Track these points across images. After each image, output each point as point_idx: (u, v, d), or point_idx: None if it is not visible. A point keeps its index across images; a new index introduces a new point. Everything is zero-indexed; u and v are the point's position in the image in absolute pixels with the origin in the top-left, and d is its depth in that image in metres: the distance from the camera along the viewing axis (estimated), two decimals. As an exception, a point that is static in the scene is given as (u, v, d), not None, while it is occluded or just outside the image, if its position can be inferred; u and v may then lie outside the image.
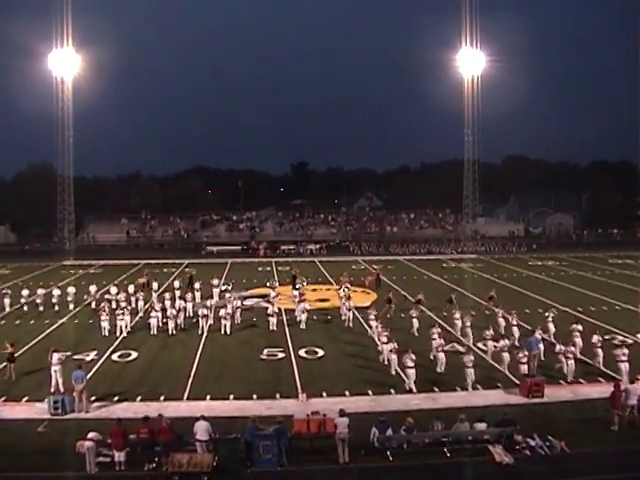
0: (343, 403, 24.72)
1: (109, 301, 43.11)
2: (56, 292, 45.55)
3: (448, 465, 20.85)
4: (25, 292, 45.69)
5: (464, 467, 20.29)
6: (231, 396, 26.96)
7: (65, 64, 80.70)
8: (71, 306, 44.60)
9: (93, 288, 46.92)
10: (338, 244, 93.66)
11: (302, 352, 33.30)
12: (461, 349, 32.78)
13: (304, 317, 39.49)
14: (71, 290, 46.00)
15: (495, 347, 31.32)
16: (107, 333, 37.32)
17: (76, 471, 20.04)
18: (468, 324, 35.46)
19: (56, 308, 44.23)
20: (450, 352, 31.46)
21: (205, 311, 38.88)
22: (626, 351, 28.86)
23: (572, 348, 30.07)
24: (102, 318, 37.50)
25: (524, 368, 28.75)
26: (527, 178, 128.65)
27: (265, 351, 33.61)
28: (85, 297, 46.76)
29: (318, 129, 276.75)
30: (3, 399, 26.74)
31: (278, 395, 27.05)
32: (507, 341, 31.05)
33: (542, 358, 30.67)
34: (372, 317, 37.35)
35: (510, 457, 20.64)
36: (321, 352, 33.30)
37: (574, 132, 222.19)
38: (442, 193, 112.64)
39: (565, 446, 21.39)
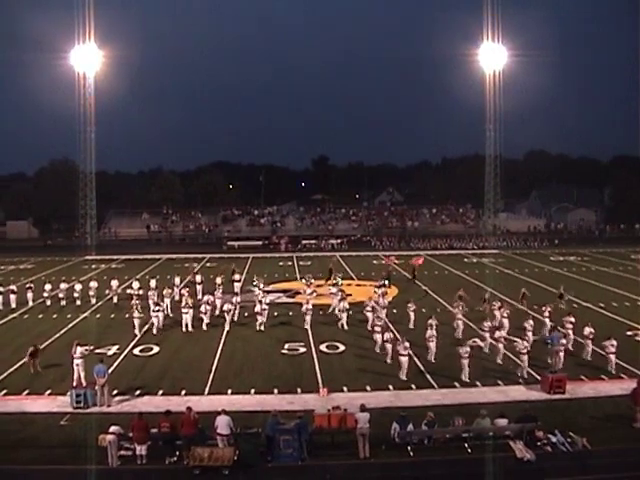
0: (364, 398, 24.72)
1: (139, 297, 43.59)
2: (78, 287, 45.75)
3: (469, 461, 20.80)
4: (48, 286, 45.96)
5: (485, 463, 20.20)
6: (252, 390, 27.04)
7: (87, 60, 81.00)
8: (93, 300, 44.95)
9: (115, 283, 47.13)
10: (359, 239, 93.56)
11: (323, 347, 33.30)
12: (481, 344, 32.75)
13: (344, 317, 37.75)
14: (93, 285, 46.29)
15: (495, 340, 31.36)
16: (138, 332, 36.55)
17: (98, 464, 20.19)
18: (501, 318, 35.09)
19: (78, 302, 44.51)
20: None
21: (229, 306, 38.65)
22: (614, 342, 29.37)
23: (563, 340, 30.31)
24: (135, 315, 37.04)
25: (524, 359, 28.82)
26: (548, 173, 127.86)
27: (286, 346, 33.66)
28: (107, 292, 47.03)
29: (339, 124, 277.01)
30: (26, 392, 26.97)
31: (299, 390, 27.11)
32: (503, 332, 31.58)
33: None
34: (368, 309, 37.55)
35: (531, 453, 20.57)
36: (342, 347, 33.28)
37: (596, 127, 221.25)
38: (463, 188, 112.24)
39: (587, 443, 21.27)
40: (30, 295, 45.15)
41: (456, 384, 27.53)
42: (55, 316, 41.60)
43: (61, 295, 45.25)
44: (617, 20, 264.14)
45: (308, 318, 37.78)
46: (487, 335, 32.54)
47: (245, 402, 25.75)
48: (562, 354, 29.38)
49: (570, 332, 32.66)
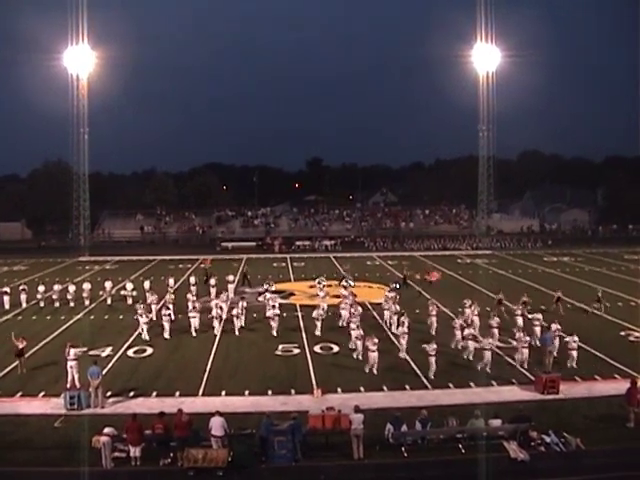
0: (358, 399, 24.72)
1: (127, 298, 43.78)
2: (72, 288, 45.73)
3: (463, 461, 20.82)
4: (41, 288, 45.81)
5: (479, 463, 20.21)
6: (246, 392, 27.01)
7: (80, 61, 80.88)
8: (87, 302, 44.85)
9: (108, 284, 46.99)
10: (353, 240, 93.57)
11: (317, 348, 33.29)
12: (478, 345, 32.85)
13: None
14: (86, 286, 46.18)
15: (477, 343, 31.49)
16: (147, 336, 35.67)
17: (92, 466, 20.14)
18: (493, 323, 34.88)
19: (71, 304, 44.44)
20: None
21: (238, 310, 37.60)
22: (576, 339, 29.94)
23: (527, 337, 30.60)
24: (142, 320, 36.13)
25: (487, 355, 29.46)
26: (542, 174, 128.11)
27: (280, 347, 33.63)
28: (101, 293, 46.94)
29: (332, 125, 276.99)
30: (20, 394, 26.91)
31: (293, 391, 27.10)
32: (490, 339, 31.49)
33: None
34: (343, 306, 38.11)
35: (525, 453, 20.62)
36: (336, 348, 33.27)
37: (589, 127, 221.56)
38: (457, 189, 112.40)
39: (581, 443, 21.33)
40: (24, 297, 45.00)
41: (450, 385, 27.58)
42: (49, 317, 41.49)
43: (55, 296, 45.20)
44: (611, 21, 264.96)
45: (319, 324, 36.30)
46: (458, 333, 32.98)
47: (239, 403, 25.73)
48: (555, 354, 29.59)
49: (537, 329, 33.21)
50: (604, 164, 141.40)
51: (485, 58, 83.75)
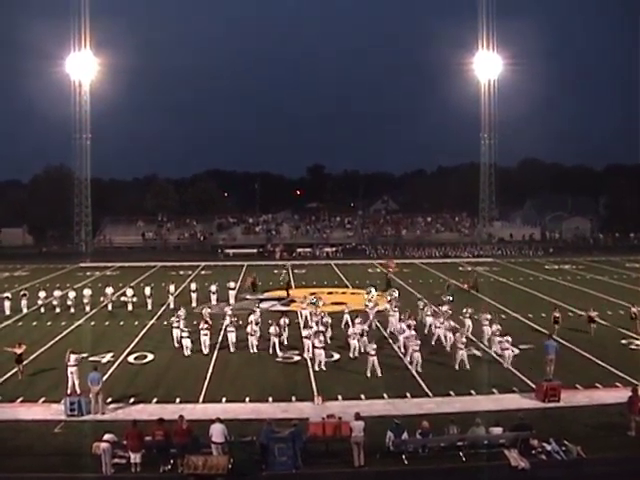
0: (359, 406, 24.64)
1: (128, 304, 43.84)
2: (72, 294, 45.73)
3: (464, 469, 20.78)
4: (42, 294, 45.86)
5: (480, 471, 20.22)
6: (247, 399, 26.96)
7: (82, 67, 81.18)
8: (87, 308, 44.80)
9: (109, 290, 46.97)
10: (354, 247, 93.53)
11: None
12: (478, 353, 32.88)
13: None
14: (87, 292, 46.13)
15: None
16: (189, 352, 33.73)
17: (92, 472, 20.14)
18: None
19: (72, 310, 44.42)
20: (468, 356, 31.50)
21: (276, 328, 34.20)
22: (509, 338, 31.05)
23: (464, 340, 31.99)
24: (203, 333, 34.19)
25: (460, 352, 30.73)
26: (543, 182, 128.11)
27: (280, 354, 33.56)
28: (101, 299, 46.92)
29: (334, 132, 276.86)
30: (20, 400, 26.88)
31: (294, 398, 27.05)
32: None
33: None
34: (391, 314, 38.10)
35: (526, 462, 20.53)
36: (337, 355, 33.20)
37: (590, 135, 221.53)
38: (458, 196, 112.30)
39: (581, 451, 21.26)
40: (24, 302, 45.03)
41: (451, 392, 27.53)
42: (49, 323, 41.49)
43: (55, 302, 45.18)
44: (612, 30, 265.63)
45: (355, 343, 33.10)
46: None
47: (240, 410, 25.68)
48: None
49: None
50: (605, 172, 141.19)
51: (487, 66, 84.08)
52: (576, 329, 37.61)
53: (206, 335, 34.21)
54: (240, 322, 36.41)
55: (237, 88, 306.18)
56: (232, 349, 34.17)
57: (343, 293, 52.20)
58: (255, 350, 33.65)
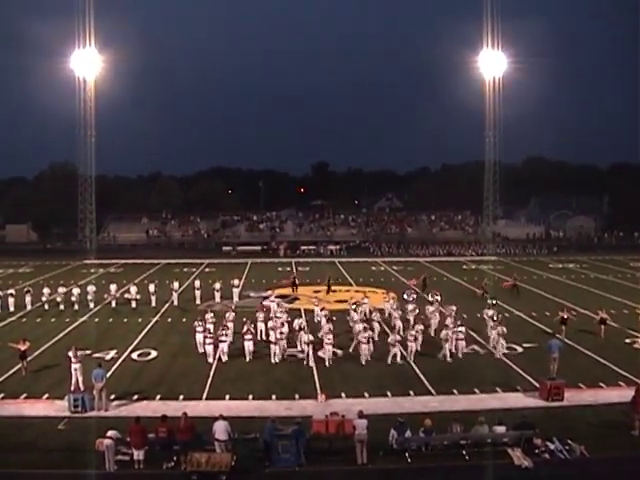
0: (362, 404, 24.71)
1: (131, 301, 43.92)
2: (76, 291, 45.74)
3: (467, 468, 20.76)
4: (46, 290, 45.97)
5: (483, 470, 20.18)
6: (250, 396, 26.98)
7: (87, 64, 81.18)
8: (91, 305, 44.91)
9: (113, 287, 47.00)
10: (358, 245, 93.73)
11: (321, 353, 33.09)
12: (481, 351, 32.86)
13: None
14: (91, 289, 46.27)
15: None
16: (226, 357, 32.16)
17: (95, 469, 20.16)
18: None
19: (76, 307, 44.49)
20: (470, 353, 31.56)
21: (308, 336, 32.55)
22: (462, 329, 32.42)
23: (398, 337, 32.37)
24: (247, 337, 32.51)
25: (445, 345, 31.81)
26: (548, 180, 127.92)
27: (282, 353, 33.44)
28: (105, 296, 46.98)
29: (338, 130, 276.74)
30: (24, 396, 26.95)
31: (297, 395, 27.06)
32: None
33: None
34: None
35: (529, 461, 20.52)
36: (340, 352, 33.17)
37: (594, 134, 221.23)
38: (462, 195, 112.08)
39: (585, 450, 21.25)
40: (29, 299, 45.15)
41: (454, 391, 27.51)
42: (53, 320, 41.56)
43: (59, 299, 45.21)
44: (616, 28, 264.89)
45: (396, 350, 31.81)
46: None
47: (243, 408, 25.69)
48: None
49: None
50: (610, 171, 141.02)
51: (492, 64, 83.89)
52: (581, 329, 37.52)
53: (250, 340, 32.47)
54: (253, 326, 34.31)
55: (242, 86, 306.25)
56: (247, 358, 32.21)
57: (347, 291, 52.10)
58: (277, 360, 31.85)
